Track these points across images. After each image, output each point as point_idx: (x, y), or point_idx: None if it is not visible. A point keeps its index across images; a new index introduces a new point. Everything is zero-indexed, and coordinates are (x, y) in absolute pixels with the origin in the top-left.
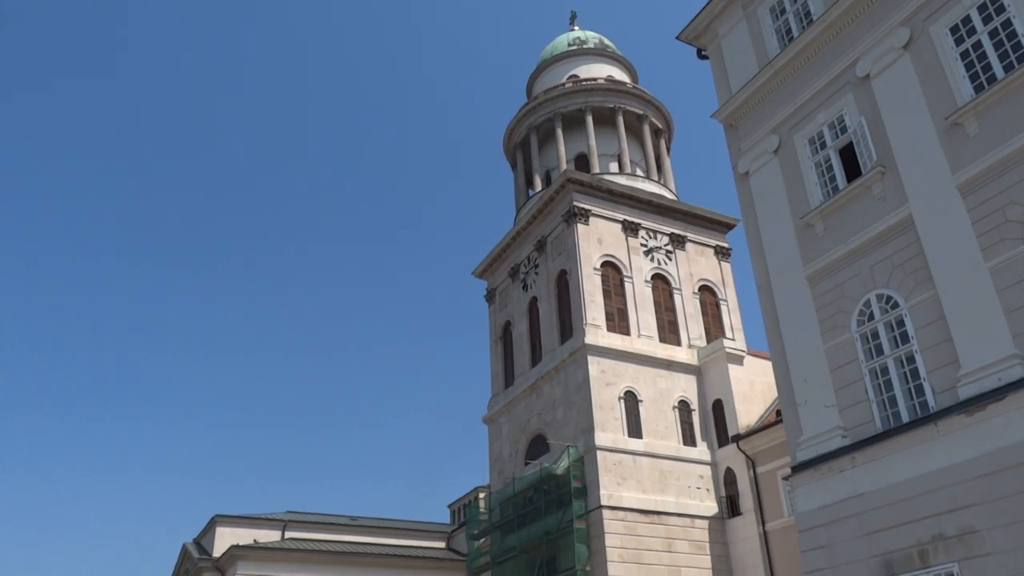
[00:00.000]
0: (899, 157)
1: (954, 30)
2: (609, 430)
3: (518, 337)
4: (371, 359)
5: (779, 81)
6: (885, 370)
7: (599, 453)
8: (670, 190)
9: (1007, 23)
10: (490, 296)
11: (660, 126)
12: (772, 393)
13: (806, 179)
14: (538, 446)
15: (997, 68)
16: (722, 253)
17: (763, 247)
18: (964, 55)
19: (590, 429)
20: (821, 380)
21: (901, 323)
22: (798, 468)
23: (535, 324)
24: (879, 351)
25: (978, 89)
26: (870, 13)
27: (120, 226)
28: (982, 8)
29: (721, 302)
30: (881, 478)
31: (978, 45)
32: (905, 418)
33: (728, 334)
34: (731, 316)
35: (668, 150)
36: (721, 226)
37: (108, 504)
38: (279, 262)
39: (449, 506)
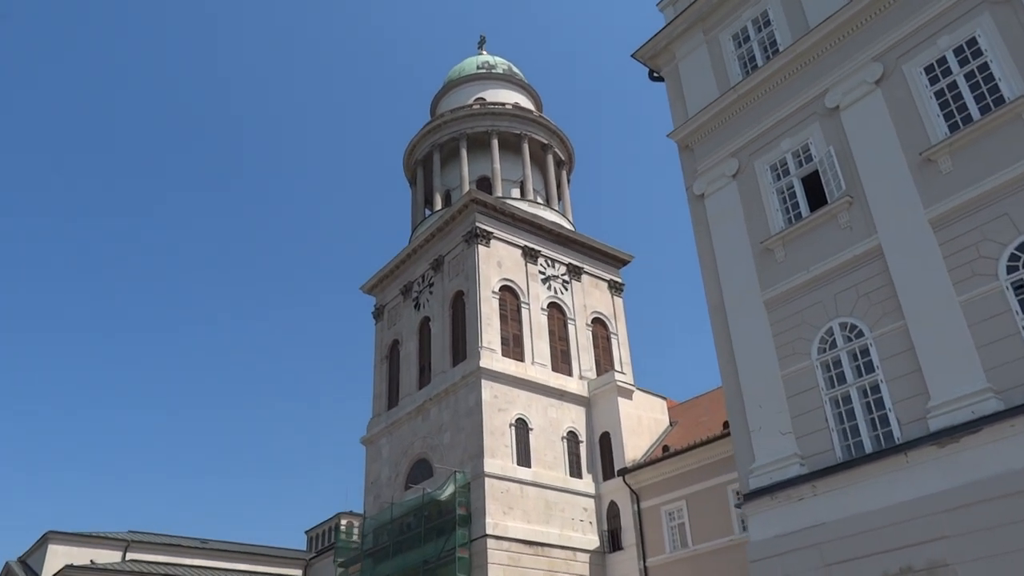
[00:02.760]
0: (868, 188)
1: (929, 69)
2: (498, 457)
3: (406, 357)
4: (234, 372)
5: (741, 106)
6: (847, 399)
7: (487, 480)
8: (569, 221)
9: (984, 66)
10: (378, 313)
11: (563, 157)
12: (658, 429)
13: (767, 205)
14: (420, 471)
15: (973, 109)
16: (615, 288)
17: (717, 269)
18: (939, 94)
19: (479, 455)
20: (777, 407)
21: (865, 352)
22: (751, 496)
23: (425, 344)
24: (841, 380)
25: (953, 128)
26: (841, 47)
27: None
28: (958, 51)
29: (612, 336)
30: (844, 508)
31: (953, 86)
32: (868, 448)
33: (617, 367)
34: (621, 350)
35: (568, 181)
36: (616, 261)
37: None
38: (147, 264)
39: (307, 532)
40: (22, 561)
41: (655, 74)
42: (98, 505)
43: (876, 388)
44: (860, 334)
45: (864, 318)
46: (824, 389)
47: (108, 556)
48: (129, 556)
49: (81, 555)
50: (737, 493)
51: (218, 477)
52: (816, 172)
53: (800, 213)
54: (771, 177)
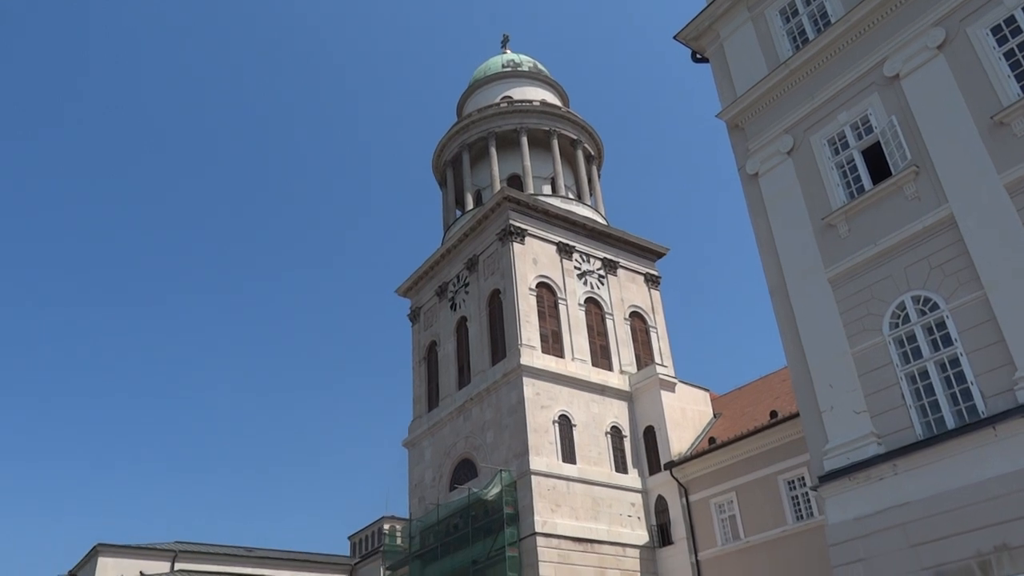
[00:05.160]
0: (936, 157)
1: (996, 30)
2: (543, 454)
3: (444, 358)
4: (270, 383)
5: (793, 82)
6: (924, 374)
7: (534, 478)
8: (601, 215)
9: None
10: (414, 315)
11: (592, 152)
12: (703, 421)
13: (826, 180)
14: (465, 471)
15: None
16: (652, 281)
17: (776, 249)
18: (1009, 54)
19: (524, 453)
20: (849, 385)
21: (942, 325)
22: (826, 477)
23: (463, 344)
24: (916, 355)
25: None
26: (898, 14)
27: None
28: None
29: (651, 329)
30: (929, 486)
31: None
32: (951, 423)
33: (658, 361)
34: (660, 343)
35: (599, 176)
36: (651, 254)
37: None
38: (179, 287)
39: (350, 537)
40: (72, 574)
41: (698, 56)
42: (145, 516)
43: (955, 361)
44: (935, 307)
45: (938, 290)
46: (899, 365)
47: (157, 567)
48: (178, 566)
49: (130, 567)
50: (797, 480)
51: (260, 486)
52: (877, 144)
53: (863, 186)
54: (829, 151)
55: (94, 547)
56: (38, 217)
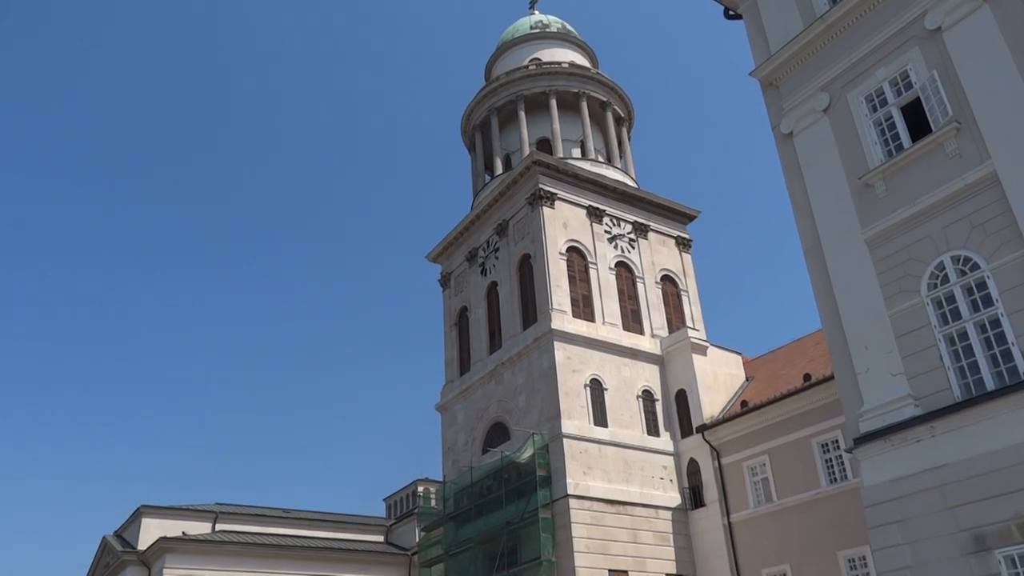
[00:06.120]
0: (978, 112)
1: None
2: (575, 417)
3: (475, 322)
4: (305, 349)
5: (830, 37)
6: (963, 335)
7: (566, 441)
8: (632, 178)
9: None
10: (445, 281)
11: (622, 114)
12: (735, 384)
13: (863, 138)
14: (497, 434)
15: None
16: (683, 244)
17: (811, 209)
18: None
19: (556, 416)
20: (885, 347)
21: (982, 286)
22: (862, 440)
23: (494, 309)
24: (955, 316)
25: None
26: None
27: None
28: None
29: (682, 293)
30: (968, 447)
31: None
32: (990, 385)
33: (690, 324)
34: (692, 307)
35: (629, 138)
36: (682, 217)
37: (19, 496)
38: (213, 254)
39: (385, 499)
40: (118, 535)
41: (731, 12)
42: (186, 479)
43: (996, 322)
44: (975, 267)
45: (979, 250)
46: (937, 326)
47: (198, 528)
48: (218, 527)
49: (173, 527)
50: (831, 443)
51: (297, 451)
52: (917, 100)
53: (901, 144)
54: (867, 109)
55: (138, 508)
56: (107, 183)
